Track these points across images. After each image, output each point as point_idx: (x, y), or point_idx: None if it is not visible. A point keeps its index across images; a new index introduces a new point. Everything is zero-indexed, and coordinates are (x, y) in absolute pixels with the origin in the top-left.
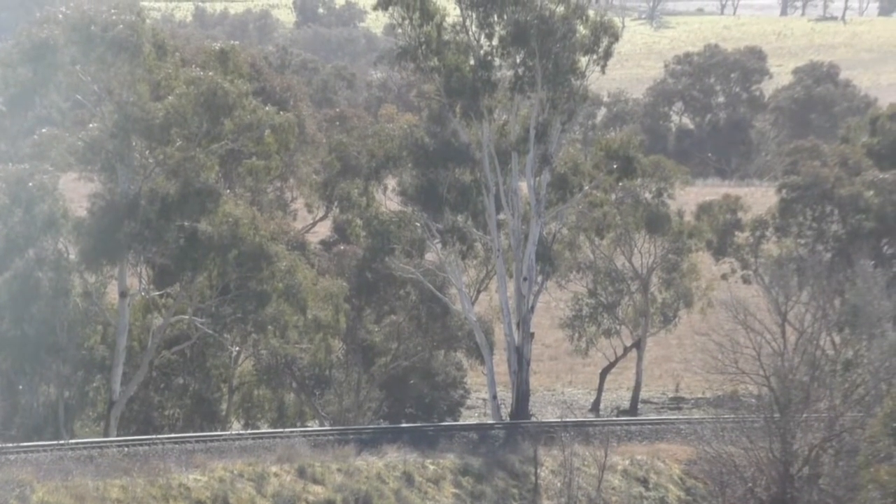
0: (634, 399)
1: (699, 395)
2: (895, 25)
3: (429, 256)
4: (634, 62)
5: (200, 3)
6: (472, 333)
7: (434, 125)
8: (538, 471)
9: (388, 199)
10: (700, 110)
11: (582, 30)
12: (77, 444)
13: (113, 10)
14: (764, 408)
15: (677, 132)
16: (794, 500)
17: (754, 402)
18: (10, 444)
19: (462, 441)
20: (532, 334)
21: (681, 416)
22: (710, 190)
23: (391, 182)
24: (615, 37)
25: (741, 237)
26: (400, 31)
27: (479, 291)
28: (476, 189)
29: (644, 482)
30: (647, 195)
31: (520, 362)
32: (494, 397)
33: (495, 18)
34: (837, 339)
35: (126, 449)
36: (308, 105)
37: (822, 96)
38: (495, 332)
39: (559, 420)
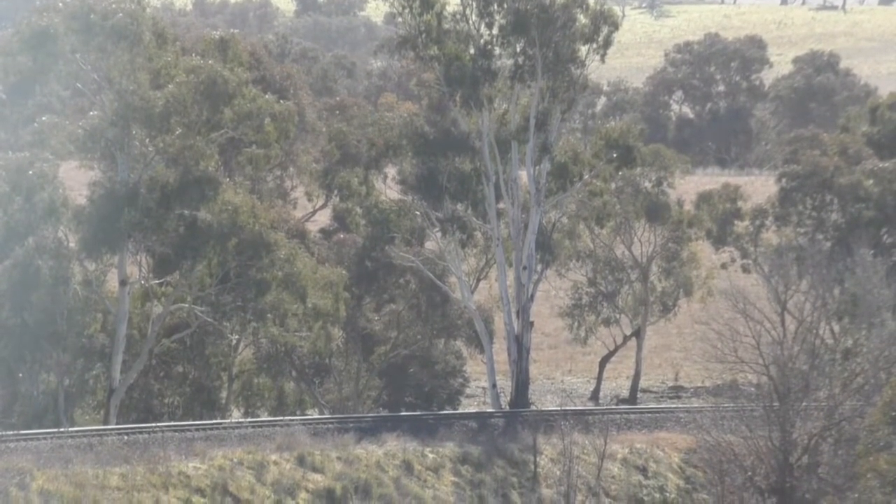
0: (634, 388)
1: (698, 384)
2: (895, 14)
3: (429, 245)
4: (634, 51)
5: None
6: (472, 322)
7: (434, 114)
8: (537, 459)
9: (388, 188)
10: (700, 99)
11: (582, 19)
12: (77, 432)
13: None
14: (763, 397)
15: (677, 121)
16: (794, 489)
17: (754, 391)
18: (10, 432)
19: (461, 430)
20: (532, 323)
21: (680, 405)
22: (709, 179)
23: (391, 171)
24: (615, 26)
25: (741, 226)
26: (400, 19)
27: (478, 280)
28: (476, 178)
29: (643, 471)
30: (647, 184)
31: (519, 351)
32: (494, 386)
33: (495, 7)
34: (837, 328)
35: (126, 437)
36: (308, 94)
37: (822, 85)
38: (495, 320)
39: (559, 409)
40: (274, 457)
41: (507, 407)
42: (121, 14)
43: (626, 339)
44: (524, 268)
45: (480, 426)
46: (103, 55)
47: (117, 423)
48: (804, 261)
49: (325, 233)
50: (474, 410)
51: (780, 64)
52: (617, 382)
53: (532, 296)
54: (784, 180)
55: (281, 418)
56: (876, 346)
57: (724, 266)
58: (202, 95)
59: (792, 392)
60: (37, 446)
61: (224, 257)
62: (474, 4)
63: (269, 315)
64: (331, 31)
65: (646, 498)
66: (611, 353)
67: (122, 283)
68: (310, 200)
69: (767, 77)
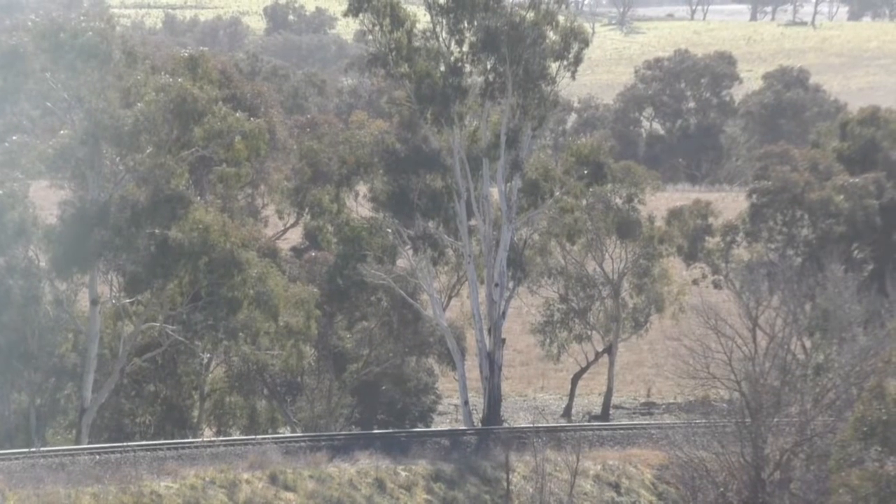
0: (606, 404)
1: (671, 400)
2: (864, 30)
3: (400, 263)
4: (605, 68)
5: (170, 11)
6: (444, 339)
7: (405, 131)
8: (510, 476)
9: (360, 206)
10: (670, 116)
11: (552, 36)
12: (48, 451)
13: (82, 18)
14: (735, 412)
15: (648, 138)
16: None
17: (725, 407)
18: None
19: (434, 447)
20: (503, 340)
21: (652, 421)
22: (680, 195)
23: (362, 188)
24: (585, 42)
25: (712, 242)
26: (370, 37)
27: (450, 297)
28: (447, 195)
29: (616, 487)
30: (618, 201)
31: (491, 368)
32: (466, 403)
33: (465, 25)
34: (808, 344)
35: (97, 456)
36: (279, 112)
37: (792, 101)
38: (467, 337)
39: (531, 425)
40: (246, 475)
41: (480, 424)
42: (90, 33)
43: (598, 355)
44: (496, 285)
45: (453, 443)
46: (73, 74)
47: (89, 443)
48: (775, 276)
49: (297, 251)
50: (447, 428)
51: (750, 80)
52: (589, 399)
53: (504, 313)
54: (755, 196)
55: (253, 437)
56: (847, 362)
57: (695, 282)
58: (172, 114)
59: (764, 408)
60: (8, 466)
61: (195, 276)
62: (444, 22)
63: (240, 333)
64: (301, 48)
65: None
66: (583, 370)
67: (93, 302)
68: (281, 218)
69: (737, 93)
